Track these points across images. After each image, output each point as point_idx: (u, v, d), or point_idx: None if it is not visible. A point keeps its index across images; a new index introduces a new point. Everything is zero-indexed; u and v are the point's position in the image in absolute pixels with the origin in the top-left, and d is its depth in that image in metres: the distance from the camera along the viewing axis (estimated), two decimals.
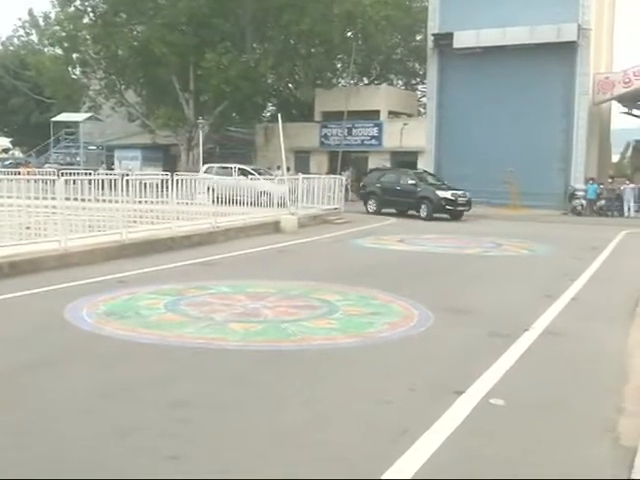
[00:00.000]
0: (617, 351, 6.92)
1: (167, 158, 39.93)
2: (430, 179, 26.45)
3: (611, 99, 32.18)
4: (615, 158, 40.73)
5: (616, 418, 4.99)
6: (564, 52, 30.07)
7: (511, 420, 4.96)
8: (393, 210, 25.58)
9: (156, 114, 36.71)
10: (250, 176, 23.58)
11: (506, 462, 4.26)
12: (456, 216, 24.05)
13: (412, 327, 7.71)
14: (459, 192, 24.21)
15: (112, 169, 35.47)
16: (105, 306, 8.39)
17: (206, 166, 27.27)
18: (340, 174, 28.85)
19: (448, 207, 23.86)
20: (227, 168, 25.23)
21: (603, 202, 29.03)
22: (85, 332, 7.15)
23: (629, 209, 28.55)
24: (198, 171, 26.16)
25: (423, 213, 24.19)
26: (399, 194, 25.14)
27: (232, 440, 4.47)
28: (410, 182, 25.20)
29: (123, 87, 37.64)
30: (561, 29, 29.75)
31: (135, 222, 15.40)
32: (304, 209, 20.88)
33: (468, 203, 24.37)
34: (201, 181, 19.40)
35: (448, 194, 24.02)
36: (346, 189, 27.87)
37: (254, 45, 36.02)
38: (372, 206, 26.14)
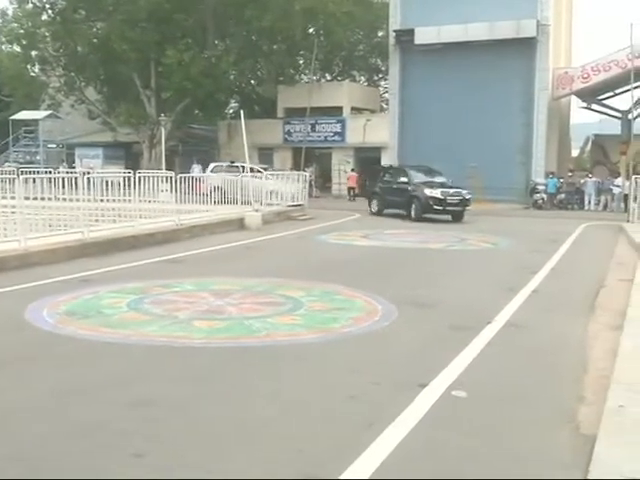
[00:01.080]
0: (577, 342, 7.03)
1: (129, 156, 39.53)
2: (430, 176, 23.17)
3: (570, 94, 32.68)
4: (575, 152, 41.37)
5: (576, 407, 5.07)
6: (524, 48, 30.46)
7: (473, 411, 5.01)
8: (400, 211, 22.96)
9: (117, 111, 36.36)
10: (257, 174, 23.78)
11: (468, 453, 4.30)
12: (457, 217, 21.67)
13: (376, 322, 7.75)
14: (451, 190, 21.66)
15: (73, 167, 34.95)
16: (66, 306, 8.28)
17: (213, 164, 27.21)
18: (304, 170, 28.89)
19: (436, 207, 21.32)
20: (236, 167, 25.01)
21: (563, 196, 29.46)
22: (46, 332, 7.05)
23: (589, 202, 29.03)
24: (161, 169, 25.97)
25: (413, 214, 21.92)
26: (396, 193, 23.02)
27: (196, 437, 4.44)
28: (402, 180, 23.03)
29: (83, 84, 37.17)
30: (521, 25, 30.11)
31: (97, 221, 15.23)
32: (268, 206, 20.83)
33: (462, 202, 21.63)
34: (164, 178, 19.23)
35: (437, 192, 21.38)
36: (310, 185, 27.91)
37: (215, 42, 35.84)
38: (375, 206, 24.24)
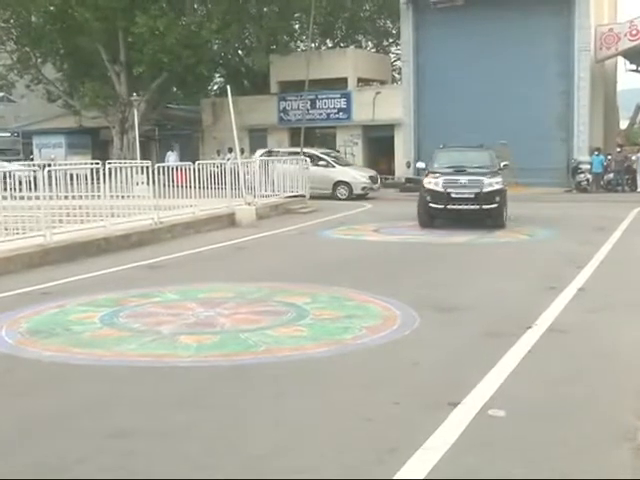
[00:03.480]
0: (633, 347, 7.03)
1: (97, 144, 39.54)
2: (468, 158, 18.64)
3: (616, 55, 32.56)
4: (624, 124, 41.23)
5: (635, 424, 5.06)
6: (560, 2, 30.34)
7: (514, 433, 5.00)
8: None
9: (81, 92, 36.30)
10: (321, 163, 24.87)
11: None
12: (493, 218, 17.23)
13: (395, 330, 7.75)
14: (462, 179, 17.31)
15: (31, 159, 34.99)
16: (28, 323, 8.28)
17: (262, 151, 27.54)
18: (303, 154, 28.91)
19: (433, 205, 17.20)
20: (292, 154, 25.38)
21: (611, 176, 29.39)
22: (5, 355, 7.06)
23: None
24: (135, 158, 25.97)
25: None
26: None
27: (185, 472, 4.44)
28: (420, 166, 19.94)
29: (40, 61, 37.12)
30: None
31: (61, 222, 15.21)
32: (263, 198, 20.83)
33: (480, 198, 16.91)
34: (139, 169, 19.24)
35: (437, 183, 17.32)
36: None
37: (195, 5, 35.77)
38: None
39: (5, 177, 14.48)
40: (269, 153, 26.86)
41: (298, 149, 27.59)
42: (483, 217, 17.31)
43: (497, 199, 17.06)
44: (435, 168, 18.17)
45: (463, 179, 17.38)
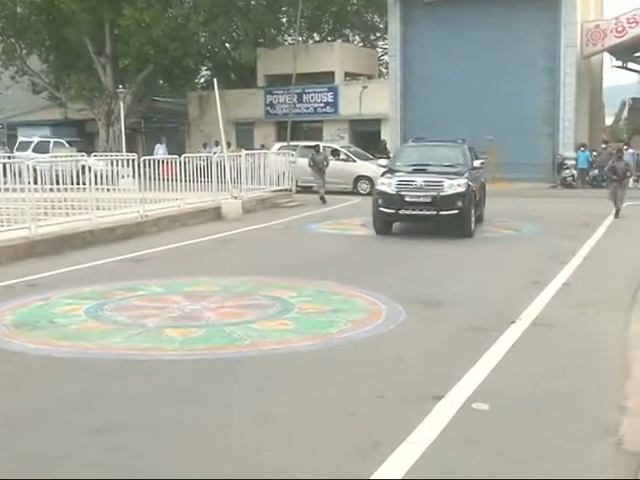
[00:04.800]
0: (617, 342, 7.07)
1: (82, 136, 39.34)
2: (441, 157, 16.28)
3: (602, 51, 32.66)
4: (609, 120, 41.41)
5: (618, 419, 5.10)
6: None
7: (498, 427, 5.03)
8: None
9: (67, 84, 36.13)
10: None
11: (494, 476, 4.32)
12: (459, 232, 14.81)
13: (380, 325, 7.77)
14: (418, 180, 14.93)
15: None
16: (13, 315, 8.27)
17: (278, 145, 27.38)
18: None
19: (383, 209, 15.06)
20: (312, 147, 25.00)
21: (596, 171, 29.49)
22: None
23: None
24: (121, 150, 25.88)
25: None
26: None
27: (171, 468, 4.44)
28: (381, 164, 18.31)
29: (25, 52, 36.89)
30: None
31: (46, 214, 15.15)
32: (249, 192, 20.80)
33: (440, 202, 14.58)
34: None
35: (390, 185, 15.11)
36: None
37: None
38: None
39: None
40: (287, 147, 26.75)
41: (315, 143, 27.23)
42: (443, 224, 15.17)
43: (459, 204, 14.68)
44: (396, 166, 16.20)
45: (419, 180, 14.96)
